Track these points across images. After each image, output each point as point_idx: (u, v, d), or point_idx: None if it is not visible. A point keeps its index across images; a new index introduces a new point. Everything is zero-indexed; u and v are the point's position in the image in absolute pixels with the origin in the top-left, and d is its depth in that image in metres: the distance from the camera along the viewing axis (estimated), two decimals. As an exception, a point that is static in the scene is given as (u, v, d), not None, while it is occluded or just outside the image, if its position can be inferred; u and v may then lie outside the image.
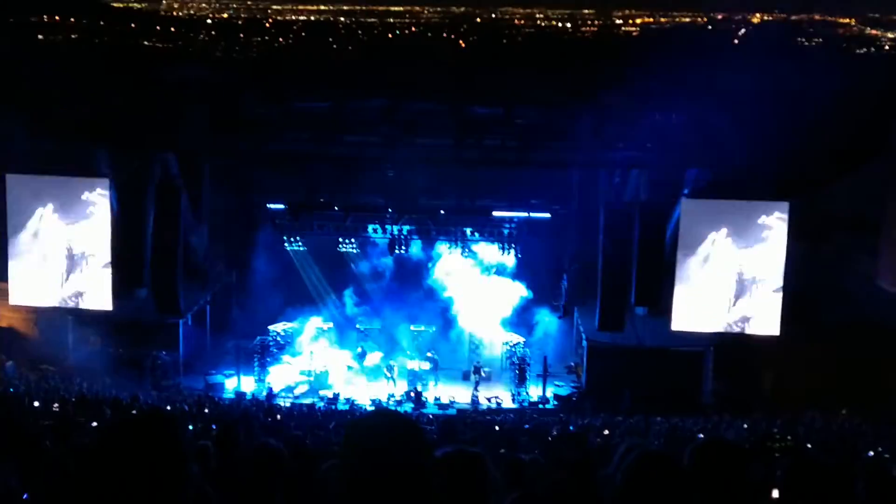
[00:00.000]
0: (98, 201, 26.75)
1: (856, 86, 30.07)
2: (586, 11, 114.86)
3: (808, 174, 26.17)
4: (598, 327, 27.56)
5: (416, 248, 30.64)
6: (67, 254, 26.96)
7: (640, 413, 23.74)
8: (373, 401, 26.78)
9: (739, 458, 4.02)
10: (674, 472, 3.50)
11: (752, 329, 26.42)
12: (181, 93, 29.37)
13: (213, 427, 12.98)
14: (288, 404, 25.88)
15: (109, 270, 26.98)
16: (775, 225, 25.95)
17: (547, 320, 30.87)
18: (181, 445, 3.24)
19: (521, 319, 30.60)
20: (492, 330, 30.20)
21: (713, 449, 4.03)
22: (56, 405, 19.46)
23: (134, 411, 19.37)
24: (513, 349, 29.05)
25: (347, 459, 2.92)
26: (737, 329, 26.53)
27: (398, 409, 26.05)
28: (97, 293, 27.12)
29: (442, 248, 30.71)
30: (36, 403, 18.49)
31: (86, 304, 27.24)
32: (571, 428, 21.15)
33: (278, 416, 21.87)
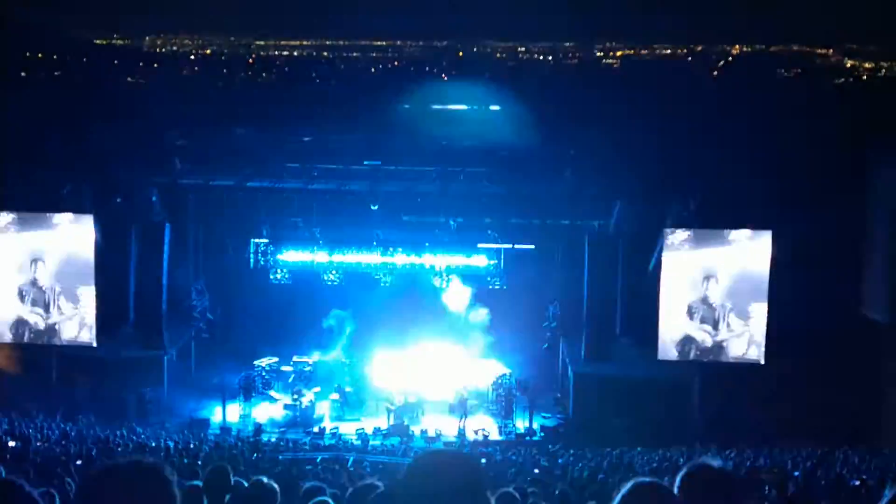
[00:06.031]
0: (82, 238, 26.64)
1: (835, 115, 30.43)
2: (567, 44, 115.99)
3: (790, 203, 26.35)
4: (584, 357, 27.57)
5: (401, 280, 30.58)
6: (51, 290, 26.80)
7: (626, 444, 23.68)
8: (359, 434, 26.63)
9: (732, 486, 4.01)
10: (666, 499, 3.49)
11: (738, 358, 26.46)
12: (164, 128, 29.45)
13: (199, 463, 12.89)
14: (274, 439, 25.69)
15: (94, 306, 26.83)
16: (758, 254, 26.05)
17: (533, 351, 30.80)
18: (172, 489, 3.14)
19: (507, 350, 30.51)
20: (478, 361, 30.10)
21: (705, 476, 4.00)
22: (39, 443, 19.31)
23: (119, 448, 19.23)
24: (499, 380, 28.94)
25: (411, 496, 3.03)
26: (722, 358, 26.55)
27: (385, 442, 25.97)
28: (81, 330, 26.93)
29: (426, 279, 30.68)
30: (12, 443, 18.26)
31: (69, 340, 27.05)
32: (560, 461, 21.10)
33: (264, 453, 21.72)
